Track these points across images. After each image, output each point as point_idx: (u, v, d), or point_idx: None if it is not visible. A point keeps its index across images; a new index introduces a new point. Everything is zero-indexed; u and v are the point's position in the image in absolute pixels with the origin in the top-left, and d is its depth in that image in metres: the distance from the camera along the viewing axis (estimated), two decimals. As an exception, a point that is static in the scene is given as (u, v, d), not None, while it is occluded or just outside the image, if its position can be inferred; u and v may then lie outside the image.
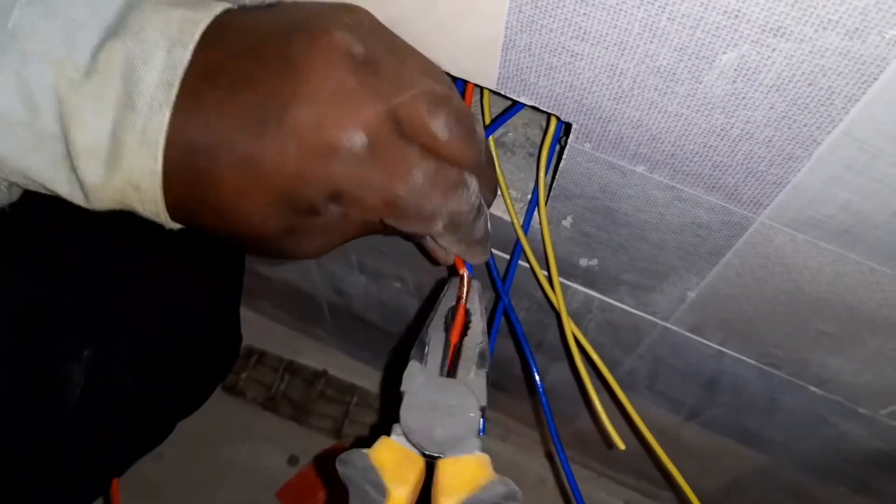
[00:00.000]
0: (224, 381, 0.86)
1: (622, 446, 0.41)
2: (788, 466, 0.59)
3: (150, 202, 0.29)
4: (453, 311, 0.38)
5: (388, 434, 0.35)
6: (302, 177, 0.28)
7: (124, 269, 0.48)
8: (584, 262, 0.46)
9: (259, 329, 0.92)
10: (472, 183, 0.32)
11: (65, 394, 0.43)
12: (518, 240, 0.44)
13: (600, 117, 0.33)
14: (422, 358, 0.37)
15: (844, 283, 0.36)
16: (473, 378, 0.36)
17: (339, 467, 0.34)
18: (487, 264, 0.45)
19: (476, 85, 0.35)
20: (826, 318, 0.39)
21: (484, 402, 0.35)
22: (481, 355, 0.37)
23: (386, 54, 0.29)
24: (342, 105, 0.27)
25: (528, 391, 0.76)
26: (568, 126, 0.35)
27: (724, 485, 0.67)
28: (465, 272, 0.38)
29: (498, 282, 0.45)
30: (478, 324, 0.38)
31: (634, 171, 0.35)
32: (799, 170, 0.30)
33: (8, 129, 0.27)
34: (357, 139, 0.28)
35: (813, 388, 0.46)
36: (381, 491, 0.33)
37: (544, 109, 0.34)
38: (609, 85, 0.31)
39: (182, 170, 0.28)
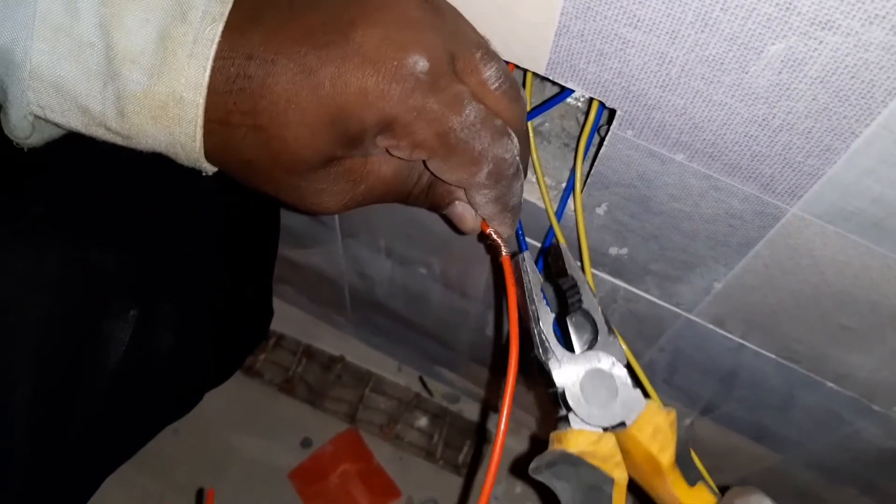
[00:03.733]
0: (252, 353, 0.87)
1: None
2: (799, 465, 0.60)
3: (190, 120, 0.29)
4: (554, 286, 0.37)
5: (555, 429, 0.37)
6: (360, 94, 0.28)
7: (171, 233, 0.49)
8: (613, 250, 0.47)
9: (279, 313, 0.93)
10: (514, 139, 0.32)
11: (108, 352, 0.45)
12: (550, 227, 0.45)
13: (645, 104, 0.34)
14: (546, 351, 0.37)
15: (870, 277, 0.37)
16: (607, 340, 0.37)
17: (542, 474, 0.35)
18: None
19: (518, 67, 0.37)
20: (849, 313, 0.41)
21: (625, 361, 0.37)
22: (605, 318, 0.37)
23: (446, 5, 0.32)
24: (407, 30, 0.29)
25: (528, 383, 0.78)
26: (610, 114, 0.37)
27: (733, 483, 0.68)
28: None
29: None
30: (584, 286, 0.38)
31: (674, 159, 0.36)
32: (835, 161, 0.32)
33: (46, 34, 0.27)
34: (420, 63, 0.29)
35: (830, 384, 0.48)
36: (605, 480, 0.35)
37: (590, 95, 0.36)
38: (657, 73, 0.32)
39: (229, 80, 0.28)
